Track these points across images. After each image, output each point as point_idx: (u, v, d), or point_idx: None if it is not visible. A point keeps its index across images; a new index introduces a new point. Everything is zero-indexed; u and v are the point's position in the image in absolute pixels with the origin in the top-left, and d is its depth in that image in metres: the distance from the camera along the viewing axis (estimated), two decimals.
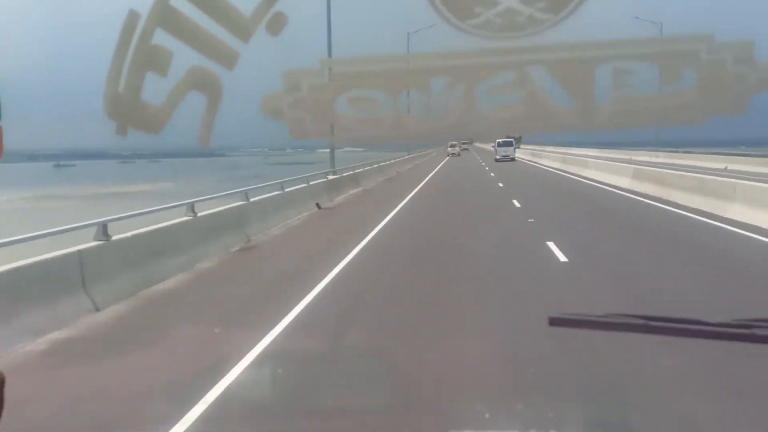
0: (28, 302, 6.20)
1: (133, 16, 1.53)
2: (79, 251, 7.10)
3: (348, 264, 10.01)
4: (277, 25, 1.53)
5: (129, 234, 8.36)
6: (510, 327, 6.34)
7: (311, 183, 20.70)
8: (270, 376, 5.45)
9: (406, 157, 48.43)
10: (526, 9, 1.48)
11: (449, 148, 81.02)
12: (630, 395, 4.58)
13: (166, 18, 1.54)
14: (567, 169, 36.88)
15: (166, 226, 9.58)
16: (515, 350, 5.51)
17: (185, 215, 10.23)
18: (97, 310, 7.01)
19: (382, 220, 15.48)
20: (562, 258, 10.06)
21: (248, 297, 8.09)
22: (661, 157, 43.59)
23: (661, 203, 18.11)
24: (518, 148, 60.09)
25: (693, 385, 4.84)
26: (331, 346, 5.99)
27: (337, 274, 8.98)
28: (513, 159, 56.33)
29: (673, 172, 24.92)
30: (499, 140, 61.75)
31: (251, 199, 13.89)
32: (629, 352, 4.87)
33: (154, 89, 1.71)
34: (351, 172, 30.94)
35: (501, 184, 25.99)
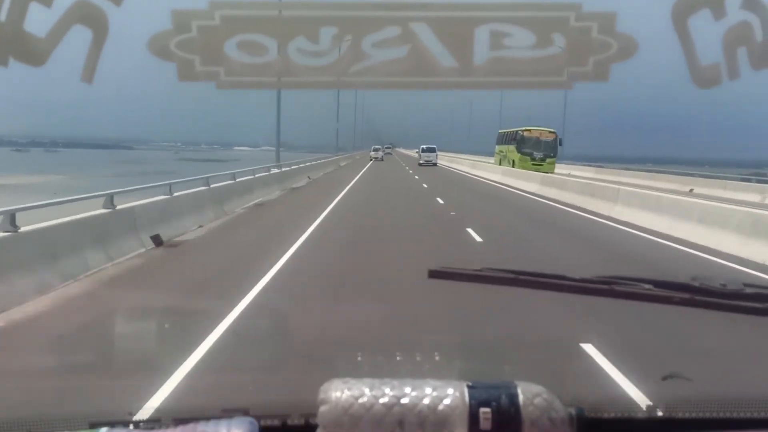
0: None
1: None
2: None
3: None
4: None
5: None
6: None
7: (213, 186, 18.17)
8: None
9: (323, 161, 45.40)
10: None
11: (372, 153, 78.48)
12: (500, 322, 5.34)
13: None
14: (480, 174, 44.98)
15: None
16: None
17: None
18: None
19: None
20: (476, 236, 13.63)
21: None
22: (574, 170, 48.41)
23: (561, 204, 23.83)
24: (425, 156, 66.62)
25: (552, 322, 5.67)
26: None
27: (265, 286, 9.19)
28: (435, 164, 63.19)
29: (574, 179, 29.67)
30: (423, 146, 69.59)
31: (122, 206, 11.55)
32: (503, 297, 5.58)
33: (38, 20, 1.66)
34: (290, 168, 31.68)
35: (425, 185, 33.86)
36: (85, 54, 1.61)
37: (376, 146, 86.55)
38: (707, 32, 1.60)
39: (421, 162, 67.53)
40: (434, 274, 1.93)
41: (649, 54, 1.76)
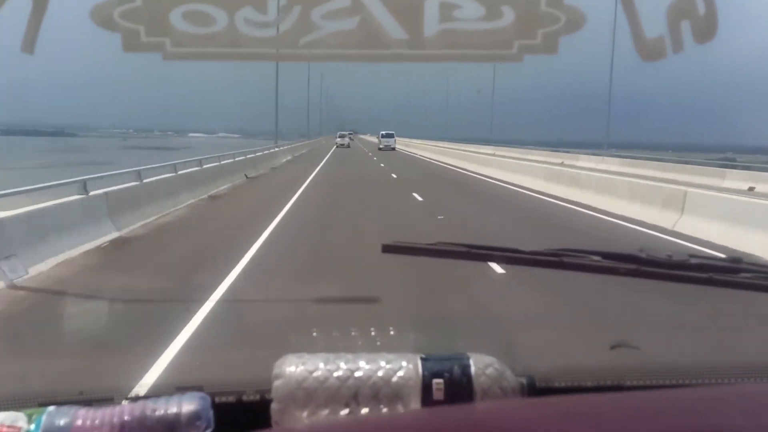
0: None
1: None
2: None
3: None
4: None
5: None
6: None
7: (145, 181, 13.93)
8: None
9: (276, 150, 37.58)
10: None
11: (338, 139, 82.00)
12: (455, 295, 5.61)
13: None
14: (431, 156, 51.80)
15: None
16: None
17: None
18: None
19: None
20: (419, 197, 15.03)
21: None
22: (515, 153, 53.69)
23: (497, 181, 27.70)
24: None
25: (501, 294, 5.97)
26: None
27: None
28: (394, 149, 71.51)
29: (512, 160, 35.46)
30: (383, 132, 77.55)
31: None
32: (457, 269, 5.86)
33: None
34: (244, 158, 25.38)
35: (383, 164, 36.74)
36: (25, 23, 1.56)
37: (342, 132, 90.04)
38: (652, 5, 1.63)
39: (381, 147, 76.31)
40: (388, 249, 1.93)
41: (597, 28, 1.79)
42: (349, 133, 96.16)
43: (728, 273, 1.97)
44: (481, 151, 54.51)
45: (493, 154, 46.99)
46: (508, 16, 1.61)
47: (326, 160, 42.10)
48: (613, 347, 2.15)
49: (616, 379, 1.59)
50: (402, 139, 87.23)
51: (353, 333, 2.08)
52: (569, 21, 1.62)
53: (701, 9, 1.63)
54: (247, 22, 1.54)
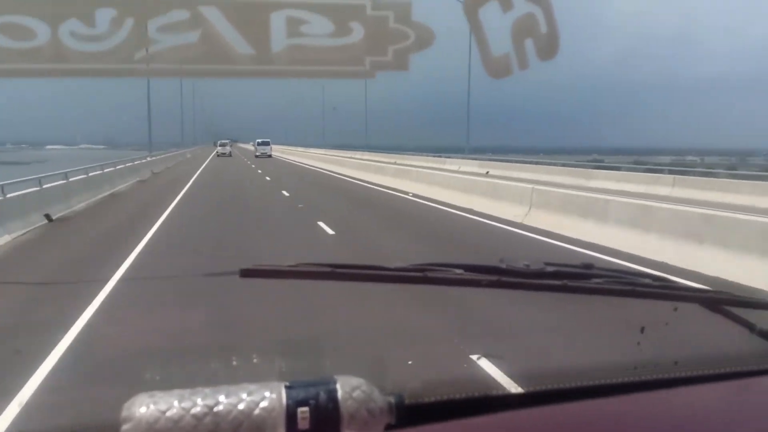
0: None
1: None
2: None
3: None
4: None
5: None
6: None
7: None
8: None
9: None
10: None
11: (219, 148, 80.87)
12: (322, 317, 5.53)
13: None
14: (304, 162, 52.84)
15: None
16: None
17: None
18: None
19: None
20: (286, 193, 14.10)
21: None
22: (394, 159, 56.94)
23: (367, 183, 28.09)
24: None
25: (368, 309, 5.97)
26: None
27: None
28: (270, 156, 73.10)
29: (385, 164, 38.35)
30: (259, 140, 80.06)
31: None
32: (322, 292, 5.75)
33: None
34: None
35: (260, 171, 36.71)
36: None
37: (223, 141, 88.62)
38: (497, 24, 1.67)
39: (258, 154, 77.50)
40: (247, 273, 1.84)
41: (447, 44, 1.80)
42: (230, 142, 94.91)
43: (581, 279, 2.05)
44: (346, 155, 59.07)
45: (351, 158, 52.08)
46: (358, 32, 1.58)
47: (204, 167, 41.59)
48: (478, 358, 2.16)
49: (485, 389, 1.58)
50: (279, 146, 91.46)
51: (213, 364, 1.95)
52: (419, 38, 1.62)
53: (543, 27, 1.69)
54: (73, 36, 1.40)
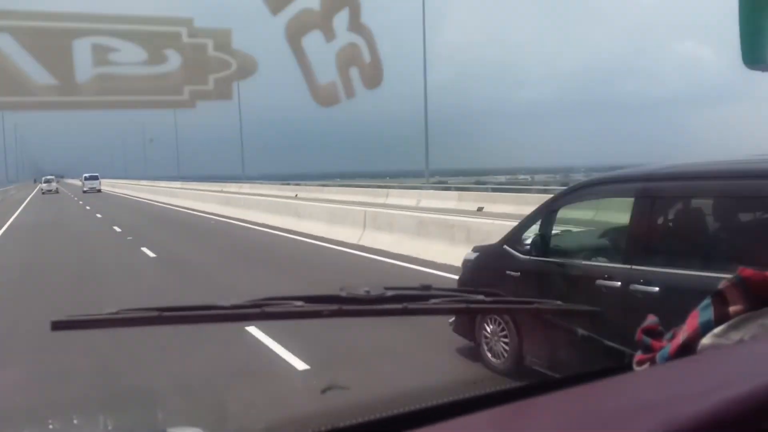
0: None
1: None
2: None
3: None
4: None
5: None
6: None
7: None
8: None
9: None
10: None
11: (43, 185, 76.02)
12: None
13: None
14: (136, 195, 53.95)
15: None
16: None
17: None
18: None
19: None
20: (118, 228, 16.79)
21: None
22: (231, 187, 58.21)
23: (195, 211, 29.86)
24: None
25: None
26: None
27: None
28: (99, 190, 70.66)
29: (212, 192, 41.49)
30: (86, 175, 77.17)
31: None
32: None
33: None
34: None
35: (88, 207, 37.62)
36: None
37: (48, 177, 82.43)
38: (321, 53, 1.65)
39: (85, 189, 72.65)
40: (59, 326, 1.65)
41: (273, 72, 1.76)
42: (55, 178, 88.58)
43: (420, 301, 2.08)
44: (178, 186, 61.08)
45: (182, 188, 54.57)
46: (174, 60, 1.49)
47: (23, 209, 38.04)
48: (323, 391, 2.11)
49: (331, 423, 1.54)
50: (109, 180, 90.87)
51: (30, 425, 1.73)
52: (241, 67, 1.56)
53: (366, 57, 1.70)
54: None
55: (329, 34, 1.65)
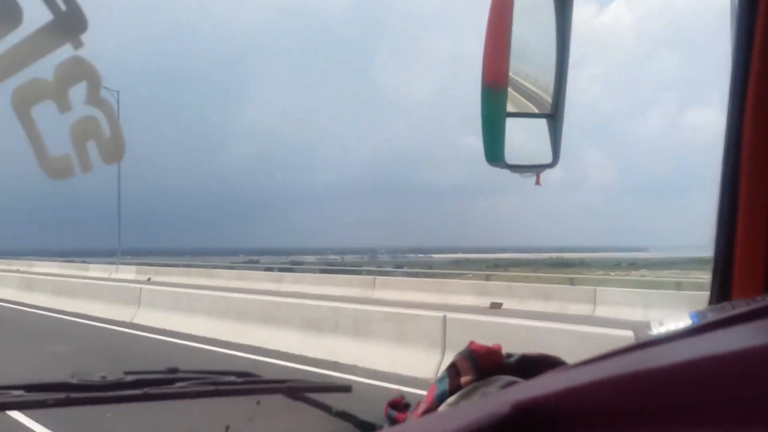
0: None
1: None
2: None
3: None
4: None
5: None
6: None
7: None
8: None
9: None
10: None
11: None
12: None
13: None
14: None
15: None
16: None
17: None
18: None
19: None
20: None
21: None
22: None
23: None
24: None
25: None
26: None
27: None
28: None
29: None
30: None
31: None
32: None
33: None
34: None
35: None
36: None
37: None
38: (54, 124, 1.59)
39: None
40: None
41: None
42: None
43: (164, 384, 1.99)
44: None
45: None
46: None
47: None
48: None
49: None
50: None
51: None
52: None
53: (106, 131, 1.67)
54: None
55: (64, 106, 1.60)
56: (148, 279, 36.25)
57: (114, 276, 38.28)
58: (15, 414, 5.68)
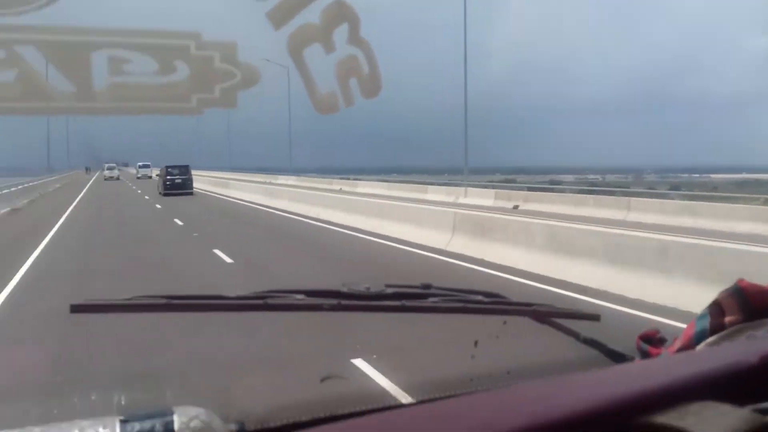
0: None
1: None
2: None
3: None
4: None
5: None
6: None
7: None
8: None
9: None
10: None
11: (106, 171, 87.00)
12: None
13: None
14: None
15: None
16: None
17: None
18: None
19: None
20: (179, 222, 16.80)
21: None
22: (291, 180, 61.35)
23: (258, 205, 34.15)
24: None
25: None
26: None
27: None
28: (150, 177, 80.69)
29: (275, 186, 45.45)
30: (140, 163, 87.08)
31: None
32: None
33: None
34: None
35: (139, 191, 42.27)
36: None
37: (111, 165, 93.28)
38: (321, 64, 1.77)
39: (138, 176, 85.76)
40: (78, 308, 1.82)
41: (276, 81, 1.88)
42: (116, 166, 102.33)
43: (418, 299, 2.18)
44: (227, 176, 65.67)
45: (232, 179, 57.00)
46: (183, 71, 1.63)
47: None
48: (323, 380, 2.24)
49: (330, 410, 1.66)
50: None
51: (48, 402, 1.91)
52: (246, 77, 1.69)
53: (365, 68, 1.81)
54: None
55: (329, 47, 1.77)
56: (514, 207, 30.51)
57: (461, 201, 32.39)
58: (359, 363, 5.73)
